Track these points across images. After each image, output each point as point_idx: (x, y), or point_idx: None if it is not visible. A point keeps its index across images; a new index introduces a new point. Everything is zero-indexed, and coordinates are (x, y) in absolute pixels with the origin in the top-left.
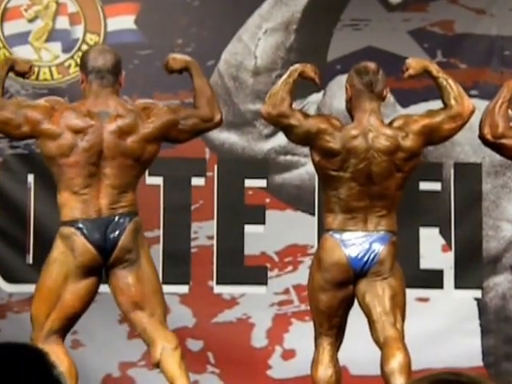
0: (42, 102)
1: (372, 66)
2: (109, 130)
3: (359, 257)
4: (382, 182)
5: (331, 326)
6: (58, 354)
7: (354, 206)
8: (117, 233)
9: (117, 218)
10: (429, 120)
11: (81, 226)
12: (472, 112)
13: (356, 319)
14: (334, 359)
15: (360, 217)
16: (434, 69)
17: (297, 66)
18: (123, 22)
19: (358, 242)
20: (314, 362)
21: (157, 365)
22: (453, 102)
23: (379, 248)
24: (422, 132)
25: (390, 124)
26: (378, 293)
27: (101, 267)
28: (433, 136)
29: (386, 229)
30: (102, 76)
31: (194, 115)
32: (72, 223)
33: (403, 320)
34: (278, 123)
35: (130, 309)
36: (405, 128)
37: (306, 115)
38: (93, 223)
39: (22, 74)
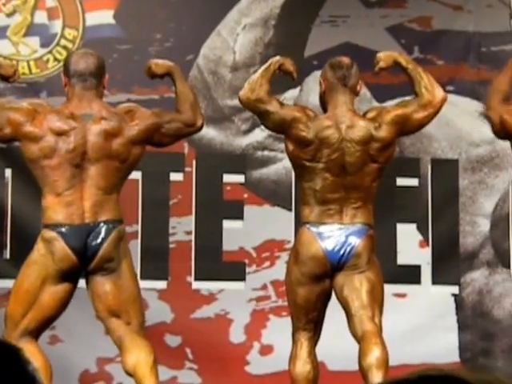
0: (25, 104)
1: (346, 60)
2: (93, 132)
3: (336, 250)
4: (356, 173)
5: (309, 320)
6: (32, 352)
7: (330, 198)
8: (98, 241)
9: (100, 226)
10: (401, 110)
11: (63, 230)
12: (443, 100)
13: (334, 314)
14: (312, 354)
15: (336, 209)
16: (404, 60)
17: (277, 58)
18: (102, 16)
19: (335, 234)
20: (292, 358)
21: (128, 373)
22: (423, 90)
23: (356, 241)
24: (395, 122)
25: (363, 116)
26: (355, 286)
27: (79, 273)
28: (406, 125)
29: (363, 221)
30: (85, 79)
31: (177, 119)
32: (54, 227)
33: (381, 313)
34: (255, 108)
35: (107, 316)
36: (378, 119)
37: (283, 104)
38: (75, 229)
39: (7, 78)
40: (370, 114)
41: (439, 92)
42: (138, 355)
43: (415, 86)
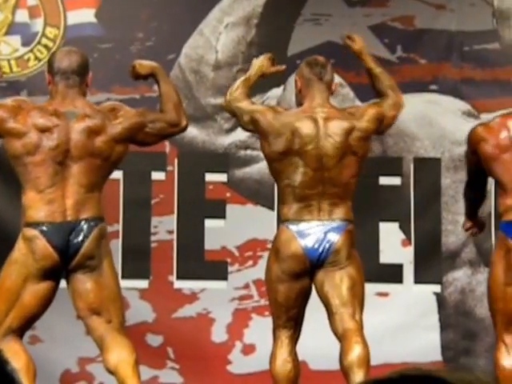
0: (8, 101)
1: (321, 58)
2: (77, 130)
3: (315, 247)
4: (334, 167)
5: (289, 317)
6: (15, 351)
7: (308, 194)
8: (80, 238)
9: (82, 224)
10: (378, 108)
11: (44, 229)
12: (403, 104)
13: (316, 313)
14: (293, 353)
15: (314, 205)
16: (371, 58)
17: (258, 64)
18: (83, 15)
19: (314, 231)
20: (273, 356)
21: (109, 371)
22: (390, 91)
23: (334, 237)
24: (376, 118)
25: (341, 110)
26: (336, 283)
27: (61, 271)
28: (382, 124)
29: (341, 217)
30: (68, 77)
31: (161, 119)
32: (36, 225)
33: (362, 310)
34: (230, 108)
35: (88, 314)
36: (357, 114)
37: (254, 103)
38: (57, 227)
39: None
40: (349, 110)
41: (401, 94)
42: (120, 354)
43: (379, 84)
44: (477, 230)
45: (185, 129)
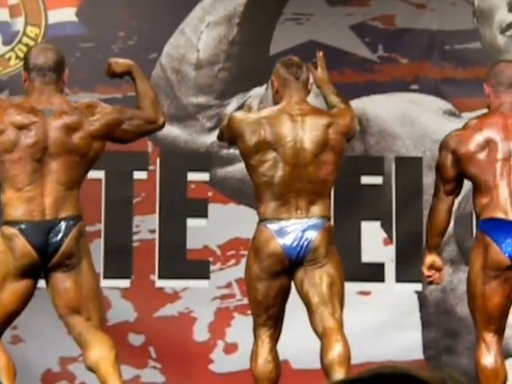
0: None
1: (296, 58)
2: (54, 127)
3: (293, 246)
4: (312, 163)
5: (269, 316)
6: None
7: (285, 191)
8: (59, 237)
9: (61, 223)
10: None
11: (23, 227)
12: None
13: (297, 312)
14: (273, 352)
15: (292, 203)
16: (331, 89)
17: None
18: (64, 14)
19: (292, 230)
20: (253, 355)
21: (90, 368)
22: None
23: (312, 235)
24: (346, 132)
25: (319, 109)
26: (315, 282)
27: (40, 269)
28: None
29: (319, 215)
30: (44, 73)
31: (138, 116)
32: (15, 224)
33: (342, 308)
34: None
35: (67, 312)
36: (334, 112)
37: None
38: (36, 226)
39: None
40: (326, 110)
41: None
42: (100, 350)
43: (333, 101)
44: (439, 277)
45: (162, 126)
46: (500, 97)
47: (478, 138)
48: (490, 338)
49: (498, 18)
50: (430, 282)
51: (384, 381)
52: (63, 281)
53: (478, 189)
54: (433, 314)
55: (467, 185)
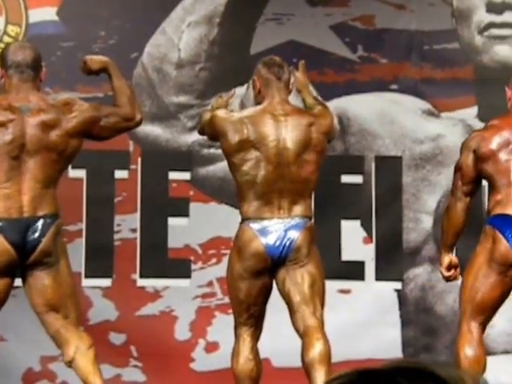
0: None
1: (277, 58)
2: (31, 124)
3: (276, 245)
4: (294, 163)
5: (250, 315)
6: None
7: (268, 191)
8: (37, 235)
9: (39, 221)
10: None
11: (1, 224)
12: None
13: (278, 310)
14: (254, 351)
15: (274, 202)
16: (311, 95)
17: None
18: (45, 13)
19: (274, 229)
20: (234, 354)
21: (69, 363)
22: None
23: (295, 235)
24: (327, 132)
25: (301, 109)
26: (297, 281)
27: (17, 267)
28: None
29: (301, 214)
30: (22, 70)
31: (115, 113)
32: None
33: (322, 307)
34: (201, 131)
35: (45, 310)
36: (316, 112)
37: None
38: (14, 223)
39: None
40: (308, 110)
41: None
42: (79, 348)
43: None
44: (457, 274)
45: (139, 123)
46: None
47: (499, 138)
48: (476, 328)
49: (476, 19)
50: (449, 280)
51: (401, 375)
52: (41, 278)
53: (493, 188)
54: (412, 313)
55: (447, 184)
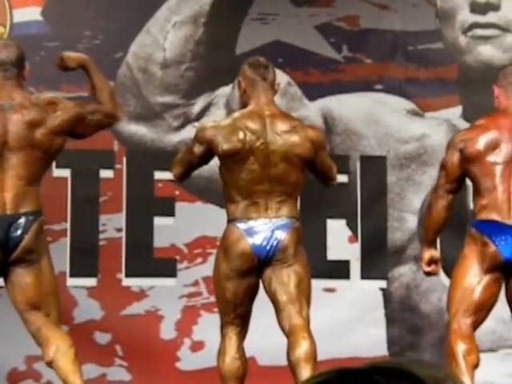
0: None
1: (262, 59)
2: (14, 122)
3: (263, 245)
4: (281, 164)
5: (236, 314)
6: None
7: (255, 191)
8: (19, 232)
9: (21, 218)
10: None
11: None
12: None
13: (264, 309)
14: (240, 350)
15: (261, 203)
16: None
17: None
18: (30, 13)
19: (261, 229)
20: (220, 353)
21: (50, 364)
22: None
23: (282, 235)
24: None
25: (285, 113)
26: (283, 280)
27: (2, 264)
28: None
29: (288, 215)
30: (6, 68)
31: (99, 111)
32: None
33: (309, 307)
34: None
35: (26, 308)
36: (298, 118)
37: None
38: None
39: None
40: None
41: None
42: (60, 347)
43: None
44: (437, 269)
45: (119, 120)
46: (510, 98)
47: (486, 139)
48: (467, 326)
49: (460, 19)
50: (429, 275)
51: (379, 374)
52: (23, 276)
53: (478, 190)
54: (397, 311)
55: (431, 184)
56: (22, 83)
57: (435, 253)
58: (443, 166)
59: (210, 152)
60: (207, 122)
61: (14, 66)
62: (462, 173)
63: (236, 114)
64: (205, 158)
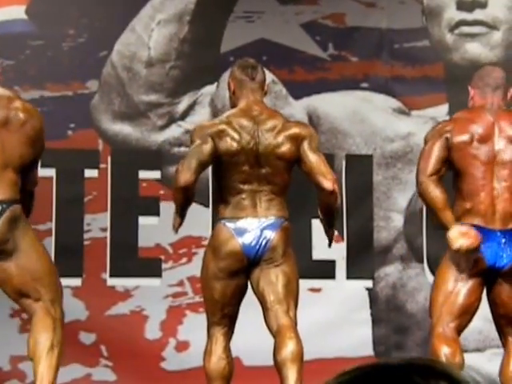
0: None
1: (251, 60)
2: None
3: (252, 244)
4: (270, 164)
5: (224, 315)
6: None
7: (244, 191)
8: None
9: None
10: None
11: None
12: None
13: (250, 309)
14: (227, 350)
15: (250, 202)
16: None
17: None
18: (14, 11)
19: (250, 229)
20: (207, 353)
21: (31, 359)
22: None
23: (270, 235)
24: (295, 137)
25: (275, 111)
26: (271, 280)
27: None
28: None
29: (277, 214)
30: None
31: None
32: None
33: (296, 307)
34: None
35: (17, 297)
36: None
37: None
38: None
39: None
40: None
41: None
42: (38, 338)
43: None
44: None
45: None
46: (486, 98)
47: (471, 131)
48: (450, 330)
49: (446, 16)
50: (462, 251)
51: (416, 372)
52: (4, 268)
53: (460, 189)
54: (383, 311)
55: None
56: None
57: (460, 226)
58: (423, 155)
59: (216, 148)
60: (203, 122)
61: None
62: (446, 158)
63: (228, 113)
64: (214, 155)
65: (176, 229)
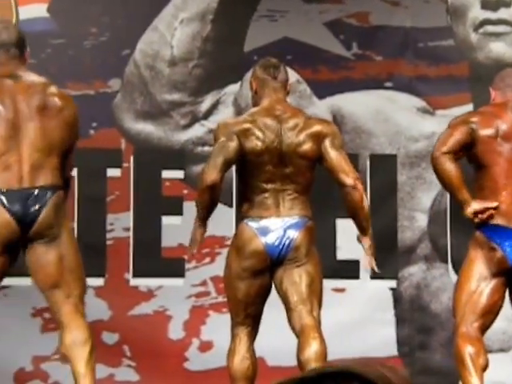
0: None
1: (274, 59)
2: (23, 93)
3: (276, 244)
4: (293, 163)
5: (247, 314)
6: None
7: (268, 190)
8: (37, 206)
9: (37, 191)
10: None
11: (1, 196)
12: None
13: (274, 309)
14: (251, 350)
15: (273, 202)
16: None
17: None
18: (36, 10)
19: (274, 228)
20: (231, 353)
21: (63, 354)
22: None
23: (294, 234)
24: (318, 134)
25: (299, 109)
26: (294, 280)
27: (19, 242)
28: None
29: (300, 214)
30: (8, 49)
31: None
32: None
33: (320, 307)
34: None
35: (47, 287)
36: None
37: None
38: (14, 194)
39: None
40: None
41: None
42: (76, 338)
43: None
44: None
45: None
46: (507, 97)
47: (494, 126)
48: (474, 329)
49: (471, 15)
50: (481, 220)
51: (329, 379)
52: (44, 253)
53: (481, 188)
54: (407, 311)
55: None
56: (24, 64)
57: (476, 202)
58: (447, 134)
59: (241, 146)
60: (227, 119)
61: (15, 47)
62: (466, 146)
63: (251, 112)
64: (239, 153)
65: (193, 248)
